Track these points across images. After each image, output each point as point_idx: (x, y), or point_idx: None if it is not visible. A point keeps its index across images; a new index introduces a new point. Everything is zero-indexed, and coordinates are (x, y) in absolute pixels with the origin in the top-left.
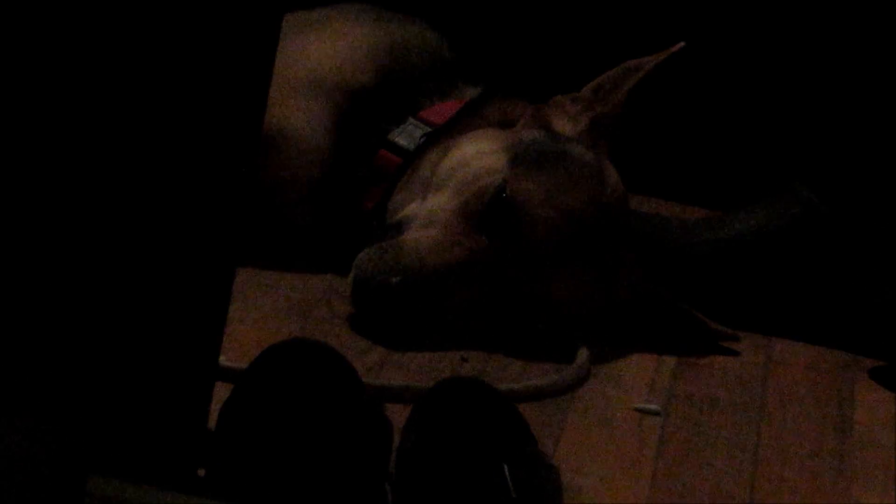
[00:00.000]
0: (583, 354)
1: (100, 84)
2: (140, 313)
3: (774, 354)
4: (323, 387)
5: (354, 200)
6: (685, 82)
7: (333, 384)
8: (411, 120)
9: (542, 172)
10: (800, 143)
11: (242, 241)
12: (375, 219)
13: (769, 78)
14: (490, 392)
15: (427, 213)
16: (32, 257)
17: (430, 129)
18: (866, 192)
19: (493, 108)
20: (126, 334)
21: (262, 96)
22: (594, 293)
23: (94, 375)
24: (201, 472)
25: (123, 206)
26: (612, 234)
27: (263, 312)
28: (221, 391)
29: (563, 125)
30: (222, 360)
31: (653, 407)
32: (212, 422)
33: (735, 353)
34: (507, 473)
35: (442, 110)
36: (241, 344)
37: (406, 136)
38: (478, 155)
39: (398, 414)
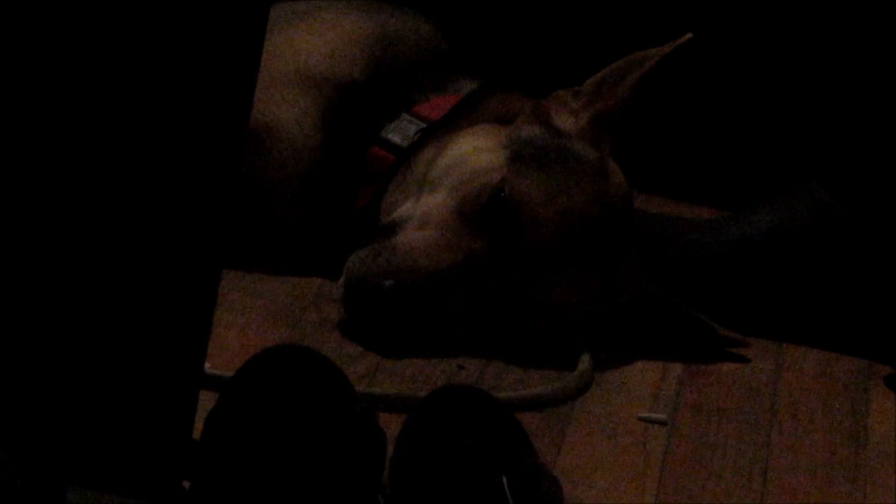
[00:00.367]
0: (585, 361)
1: (73, 77)
2: (121, 318)
3: (785, 361)
4: (312, 395)
5: (345, 200)
6: (693, 75)
7: (323, 393)
8: (405, 115)
9: (543, 170)
10: (814, 138)
11: (227, 243)
12: (367, 219)
13: (782, 70)
14: (488, 401)
15: (422, 213)
16: (7, 259)
17: (424, 125)
18: (884, 190)
19: (491, 103)
20: (106, 340)
21: (248, 90)
22: (597, 297)
23: (73, 383)
24: (186, 485)
25: (102, 206)
26: (616, 234)
27: (250, 317)
28: (206, 400)
29: (564, 120)
30: (207, 367)
31: (658, 416)
32: (196, 432)
33: (744, 360)
34: (505, 486)
35: (437, 105)
36: (226, 350)
37: (399, 132)
38: (475, 152)
39: (391, 424)
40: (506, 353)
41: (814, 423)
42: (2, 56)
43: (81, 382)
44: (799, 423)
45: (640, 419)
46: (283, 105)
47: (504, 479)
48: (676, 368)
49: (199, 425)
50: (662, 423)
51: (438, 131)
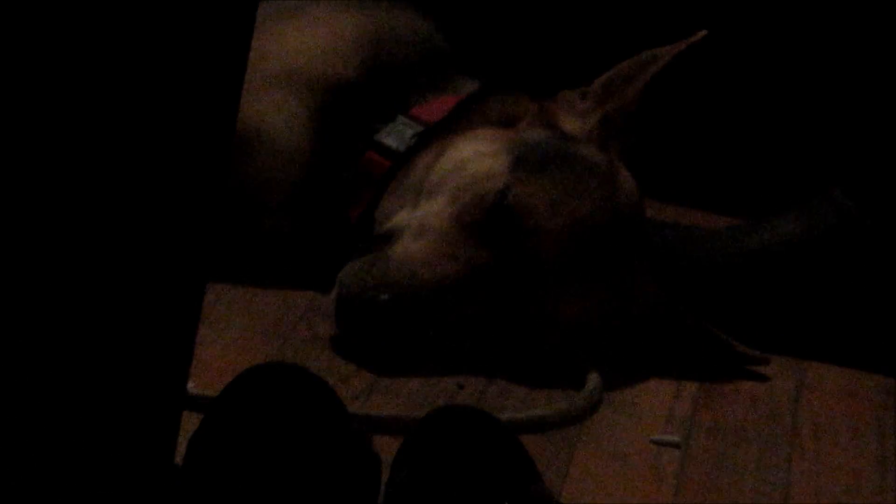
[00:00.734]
0: (593, 380)
1: (43, 75)
2: (97, 333)
3: (807, 379)
4: (302, 416)
5: (338, 208)
6: (707, 74)
7: (315, 413)
8: (401, 118)
9: (548, 176)
10: (837, 142)
11: (212, 254)
12: (361, 228)
13: (803, 70)
14: (490, 422)
15: (419, 222)
16: None
17: (422, 128)
18: None
19: (493, 105)
20: (81, 357)
21: (235, 92)
22: (606, 311)
23: (46, 404)
24: None
25: (76, 214)
26: (627, 245)
27: (236, 333)
28: (189, 421)
29: (571, 123)
30: (190, 386)
31: (672, 438)
32: (179, 455)
33: (764, 379)
34: None
35: (435, 107)
36: (211, 369)
37: (395, 135)
38: (476, 157)
39: (387, 447)
40: (509, 372)
41: (838, 445)
42: None
43: (56, 403)
44: (822, 445)
45: (653, 442)
46: (271, 108)
47: None
48: (691, 387)
49: (181, 449)
50: (676, 446)
51: (437, 135)
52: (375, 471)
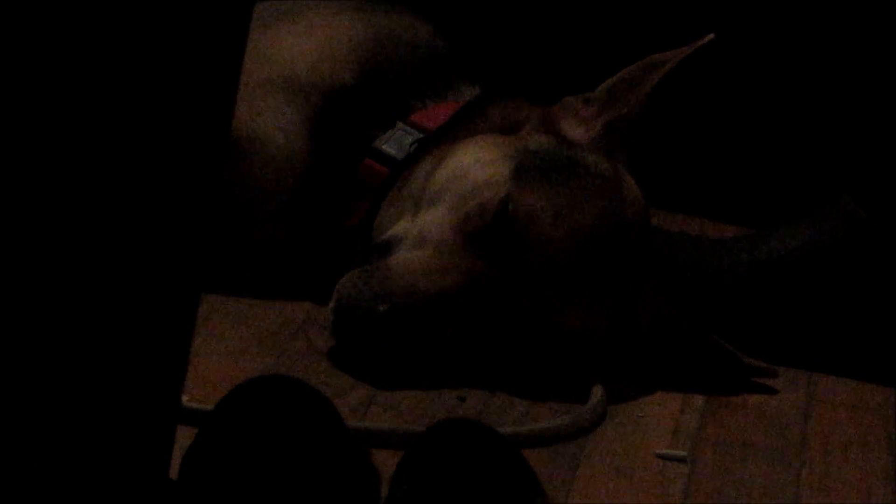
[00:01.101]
0: (598, 393)
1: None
2: (90, 346)
3: (817, 392)
4: (300, 430)
5: (335, 217)
6: (714, 79)
7: (312, 427)
8: (400, 124)
9: (551, 184)
10: (845, 149)
11: (207, 264)
12: (359, 238)
13: (809, 76)
14: (491, 436)
15: (419, 231)
16: None
17: (421, 135)
18: None
19: (495, 111)
20: (74, 370)
21: (229, 98)
22: (611, 323)
23: (38, 417)
24: None
25: (66, 222)
26: (632, 255)
27: (232, 345)
28: (184, 436)
29: (574, 130)
30: (185, 399)
31: (678, 453)
32: (174, 470)
33: (772, 391)
34: None
35: (435, 113)
36: (206, 381)
37: (394, 142)
38: (477, 164)
39: (386, 462)
40: (511, 385)
41: (848, 459)
42: None
43: (47, 416)
44: (832, 459)
45: (659, 456)
46: (266, 113)
47: None
48: (698, 400)
49: (176, 463)
50: (682, 461)
51: (437, 142)
52: (374, 486)
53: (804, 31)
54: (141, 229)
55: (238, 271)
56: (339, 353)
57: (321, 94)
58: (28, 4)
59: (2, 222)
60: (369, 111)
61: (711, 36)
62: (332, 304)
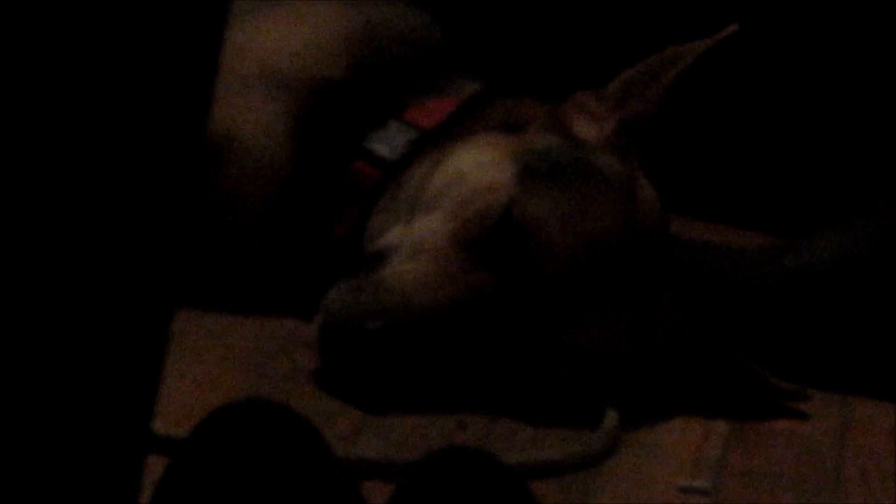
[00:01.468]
0: (611, 418)
1: None
2: (48, 367)
3: (853, 417)
4: (282, 460)
5: (322, 224)
6: (737, 74)
7: (296, 456)
8: (394, 123)
9: (559, 189)
10: (880, 150)
11: (181, 277)
12: (349, 248)
13: (841, 72)
14: (494, 466)
15: (414, 240)
16: None
17: (417, 135)
18: None
19: (497, 108)
20: (32, 393)
21: (206, 94)
22: (625, 341)
23: None
24: None
25: (26, 228)
26: (649, 266)
27: (208, 366)
28: (155, 466)
29: (585, 129)
30: (156, 426)
31: (700, 485)
32: (144, 503)
33: (803, 416)
34: None
35: (432, 111)
36: (180, 406)
37: (387, 143)
38: (478, 167)
39: (378, 494)
40: (515, 410)
41: (886, 490)
42: None
43: (5, 446)
44: (870, 490)
45: (679, 489)
46: (247, 111)
47: None
48: (721, 427)
49: (146, 496)
50: (705, 493)
51: (434, 142)
52: None
53: (839, 24)
54: (107, 238)
55: (215, 284)
56: (326, 375)
57: (306, 89)
58: None
59: None
60: (360, 108)
61: (735, 26)
62: (318, 321)
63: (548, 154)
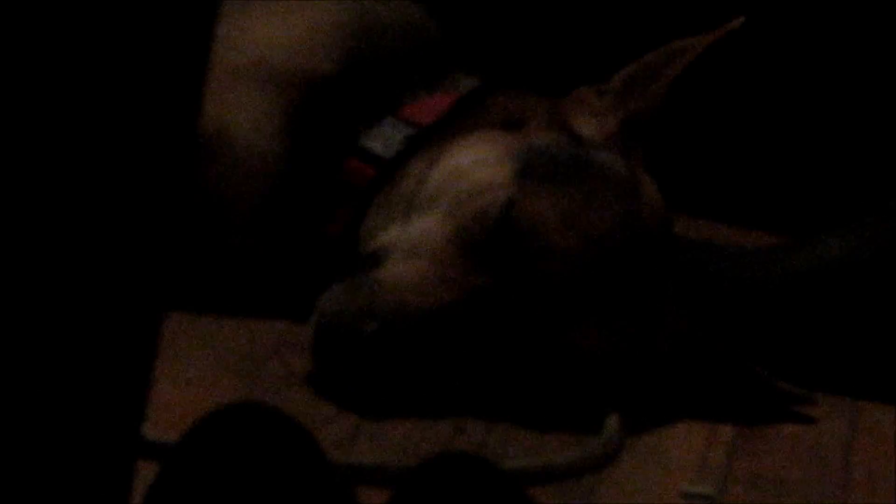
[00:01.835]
0: (613, 423)
1: None
2: (37, 371)
3: (862, 422)
4: (276, 466)
5: (315, 224)
6: (743, 68)
7: (290, 462)
8: (389, 119)
9: (560, 187)
10: (892, 146)
11: (171, 277)
12: (343, 248)
13: (853, 64)
14: (493, 472)
15: (410, 240)
16: None
17: (413, 131)
18: None
19: (496, 104)
20: (18, 398)
21: (196, 89)
22: (628, 345)
23: None
24: None
25: (5, 230)
26: (651, 267)
27: (199, 370)
28: (146, 471)
29: (586, 126)
30: (146, 430)
31: (705, 490)
32: None
33: (810, 421)
34: None
35: (429, 106)
36: (170, 411)
37: (382, 139)
38: (476, 164)
39: (374, 501)
40: (515, 414)
41: (895, 497)
42: None
43: None
44: (878, 497)
45: (683, 495)
46: (237, 107)
47: None
48: (726, 432)
49: (137, 502)
50: (709, 500)
51: (431, 139)
52: None
53: (852, 21)
54: (94, 237)
55: (206, 286)
56: (320, 379)
57: (299, 84)
58: None
59: None
60: (354, 104)
61: (742, 19)
62: (312, 323)
63: (548, 151)
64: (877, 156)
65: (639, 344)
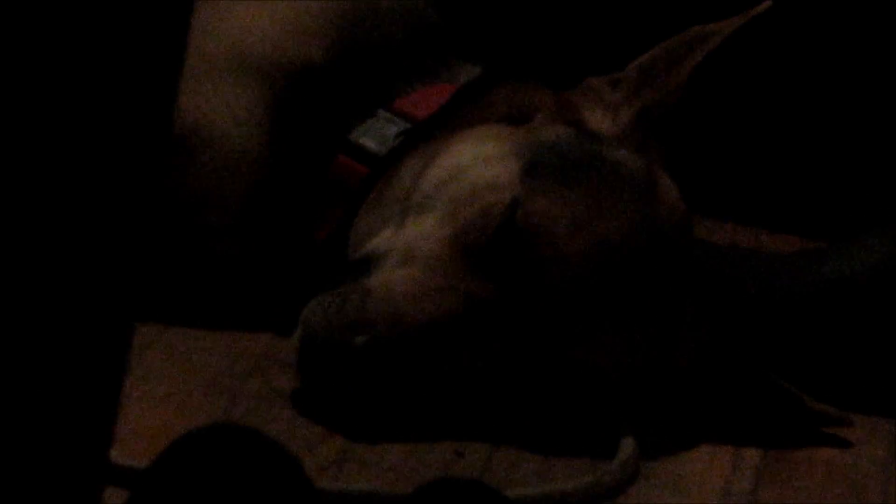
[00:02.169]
0: (628, 447)
1: None
2: None
3: None
4: (257, 493)
5: (301, 227)
6: (771, 58)
7: (272, 489)
8: (382, 112)
9: (570, 187)
10: None
11: (143, 287)
12: (331, 253)
13: (888, 61)
14: (496, 500)
15: (405, 245)
16: None
17: (408, 126)
18: None
19: (499, 96)
20: None
21: (172, 81)
22: (644, 359)
23: None
24: None
25: None
26: (670, 274)
27: (173, 387)
28: (115, 499)
29: (598, 119)
30: (114, 454)
31: None
32: None
33: (846, 445)
34: None
35: (425, 99)
36: (141, 432)
37: (375, 134)
38: (478, 162)
39: None
40: (520, 436)
41: None
42: None
43: None
44: None
45: None
46: (217, 99)
47: None
48: (753, 456)
49: None
50: None
51: (428, 134)
52: None
53: (882, 21)
54: (58, 241)
55: (181, 294)
56: (306, 397)
57: (284, 75)
58: None
59: None
60: (344, 96)
61: (768, 3)
62: (297, 336)
63: (556, 148)
64: None
65: (656, 359)
